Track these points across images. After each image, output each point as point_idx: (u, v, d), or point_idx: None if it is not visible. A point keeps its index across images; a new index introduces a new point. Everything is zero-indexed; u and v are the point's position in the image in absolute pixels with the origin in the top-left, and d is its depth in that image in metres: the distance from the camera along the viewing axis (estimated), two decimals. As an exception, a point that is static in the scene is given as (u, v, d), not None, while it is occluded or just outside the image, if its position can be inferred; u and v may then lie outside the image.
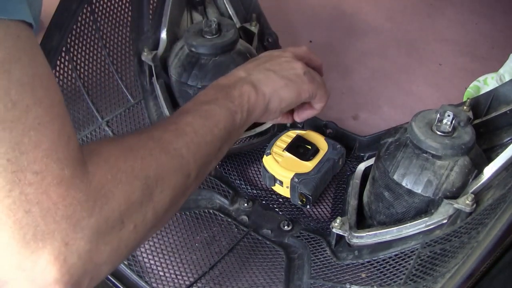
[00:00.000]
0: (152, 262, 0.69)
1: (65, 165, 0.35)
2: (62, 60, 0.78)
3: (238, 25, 0.87)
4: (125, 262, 0.68)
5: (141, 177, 0.41)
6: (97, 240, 0.37)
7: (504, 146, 0.60)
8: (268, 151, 0.76)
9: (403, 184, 0.59)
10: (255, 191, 0.78)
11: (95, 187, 0.37)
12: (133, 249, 0.42)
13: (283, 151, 0.75)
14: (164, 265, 0.68)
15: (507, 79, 0.85)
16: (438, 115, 0.58)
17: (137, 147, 0.43)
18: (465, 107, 0.63)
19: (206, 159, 0.50)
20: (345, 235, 0.63)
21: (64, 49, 0.78)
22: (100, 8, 0.82)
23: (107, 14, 0.83)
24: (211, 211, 0.75)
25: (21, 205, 0.33)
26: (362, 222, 0.68)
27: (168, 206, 0.45)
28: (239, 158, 0.83)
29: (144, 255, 0.69)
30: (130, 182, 0.40)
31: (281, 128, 0.84)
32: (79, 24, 0.79)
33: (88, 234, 0.36)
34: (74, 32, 0.79)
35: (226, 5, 0.89)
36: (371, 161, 0.72)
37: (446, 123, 0.58)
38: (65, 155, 0.36)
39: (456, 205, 0.54)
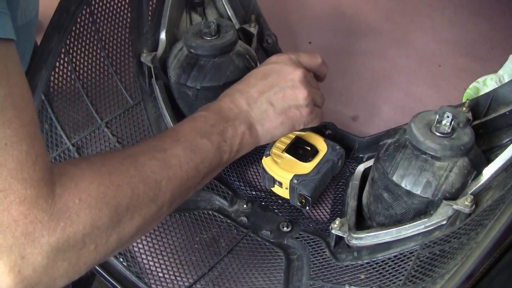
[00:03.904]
0: (151, 263, 0.69)
1: (30, 185, 0.36)
2: (61, 61, 0.78)
3: (237, 26, 0.87)
4: (124, 264, 0.68)
5: (112, 204, 0.42)
6: (55, 256, 0.38)
7: (503, 147, 0.60)
8: (268, 152, 0.76)
9: (402, 185, 0.59)
10: (254, 192, 0.78)
11: (60, 209, 0.38)
12: (91, 266, 0.42)
13: (282, 152, 0.75)
14: (163, 266, 0.68)
15: (506, 80, 0.85)
16: (437, 116, 0.58)
17: (116, 172, 0.43)
18: (464, 108, 0.63)
19: (184, 192, 0.51)
20: (344, 236, 0.63)
21: (63, 50, 0.78)
22: (99, 9, 0.82)
23: (106, 16, 0.83)
24: (210, 212, 0.75)
25: None
26: (361, 223, 0.68)
27: (135, 232, 0.45)
28: (239, 159, 0.82)
29: (144, 256, 0.69)
30: (99, 208, 0.40)
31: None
32: (78, 26, 0.79)
33: (47, 250, 0.37)
34: (73, 34, 0.79)
35: (225, 6, 0.89)
36: (370, 162, 0.72)
37: (445, 124, 0.58)
38: (31, 175, 0.37)
39: (455, 206, 0.54)
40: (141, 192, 0.44)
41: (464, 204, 0.54)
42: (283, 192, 0.74)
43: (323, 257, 0.66)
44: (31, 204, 0.36)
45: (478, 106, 0.66)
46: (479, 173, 0.56)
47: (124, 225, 0.43)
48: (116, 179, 0.43)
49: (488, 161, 0.57)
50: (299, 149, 0.76)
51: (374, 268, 0.60)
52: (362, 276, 0.60)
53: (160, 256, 0.70)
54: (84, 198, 0.39)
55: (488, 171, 0.55)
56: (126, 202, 0.43)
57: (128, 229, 0.44)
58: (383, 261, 0.60)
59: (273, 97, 0.60)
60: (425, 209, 0.59)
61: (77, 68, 0.80)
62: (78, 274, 0.41)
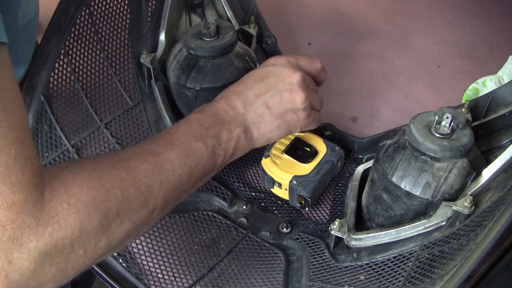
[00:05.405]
0: (150, 264, 0.69)
1: (18, 190, 0.36)
2: (61, 62, 0.78)
3: (236, 27, 0.87)
4: (124, 265, 0.68)
5: (102, 208, 0.41)
6: (42, 261, 0.38)
7: (502, 148, 0.60)
8: (267, 153, 0.76)
9: (402, 186, 0.59)
10: (253, 194, 0.78)
11: (48, 214, 0.38)
12: (80, 270, 0.42)
13: (281, 153, 0.75)
14: (162, 267, 0.68)
15: (505, 81, 0.85)
16: (436, 117, 0.58)
17: (107, 176, 0.43)
18: (463, 109, 0.63)
19: (177, 196, 0.50)
20: (344, 237, 0.63)
21: (62, 51, 0.78)
22: (99, 10, 0.82)
23: (105, 17, 0.83)
24: (209, 213, 0.75)
25: None
26: (360, 224, 0.68)
27: (125, 237, 0.45)
28: (238, 160, 0.82)
29: (143, 257, 0.69)
30: (88, 213, 0.40)
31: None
32: (77, 27, 0.79)
33: (34, 255, 0.37)
34: (72, 35, 0.79)
35: (225, 8, 0.89)
36: (369, 163, 0.72)
37: (444, 125, 0.58)
38: (19, 179, 0.36)
39: (454, 207, 0.54)
40: (132, 197, 0.44)
41: (463, 205, 0.54)
42: (282, 193, 0.74)
43: (322, 258, 0.66)
44: (19, 208, 0.36)
45: (477, 107, 0.66)
46: (478, 174, 0.56)
47: (113, 230, 0.43)
48: (106, 183, 0.42)
49: (488, 162, 0.57)
50: (299, 150, 0.76)
51: (373, 269, 0.60)
52: (362, 277, 0.60)
53: (159, 257, 0.69)
54: (73, 202, 0.39)
55: (487, 172, 0.55)
56: (116, 207, 0.42)
57: (118, 234, 0.43)
58: (382, 262, 0.60)
59: (270, 100, 0.59)
60: (424, 210, 0.59)
61: (77, 69, 0.80)
62: (67, 278, 0.41)
